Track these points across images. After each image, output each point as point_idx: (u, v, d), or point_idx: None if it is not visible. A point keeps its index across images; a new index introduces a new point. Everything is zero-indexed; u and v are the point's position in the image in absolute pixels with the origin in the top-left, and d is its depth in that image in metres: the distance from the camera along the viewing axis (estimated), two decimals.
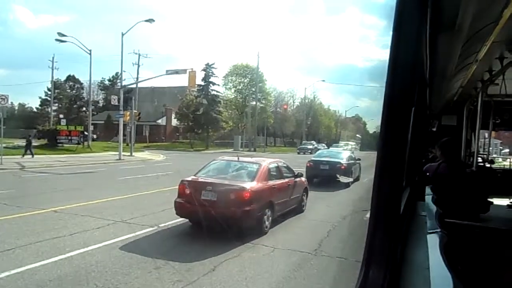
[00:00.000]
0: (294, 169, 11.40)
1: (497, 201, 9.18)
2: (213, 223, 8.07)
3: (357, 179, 18.59)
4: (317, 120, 67.74)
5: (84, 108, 60.77)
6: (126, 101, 34.70)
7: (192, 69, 29.96)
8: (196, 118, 47.88)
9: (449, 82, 5.63)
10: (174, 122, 55.48)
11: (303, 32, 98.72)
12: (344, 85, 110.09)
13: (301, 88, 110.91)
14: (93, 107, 51.32)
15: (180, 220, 9.08)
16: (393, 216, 1.29)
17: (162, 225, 8.91)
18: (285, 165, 11.07)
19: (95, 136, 46.65)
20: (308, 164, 17.72)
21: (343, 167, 17.22)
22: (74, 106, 65.00)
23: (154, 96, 60.38)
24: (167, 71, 30.85)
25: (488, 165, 9.67)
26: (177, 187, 8.97)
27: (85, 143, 36.29)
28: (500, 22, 3.31)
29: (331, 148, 37.85)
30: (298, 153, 45.05)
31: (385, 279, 1.17)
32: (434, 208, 2.42)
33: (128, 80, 48.96)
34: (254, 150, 47.65)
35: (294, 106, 68.85)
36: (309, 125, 66.59)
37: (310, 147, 47.17)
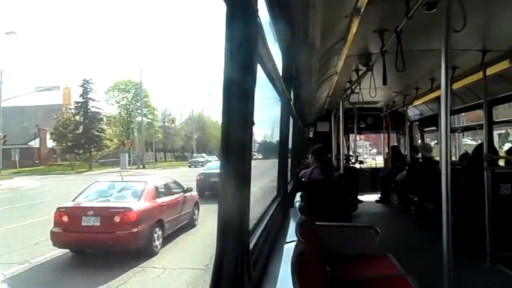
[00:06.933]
0: (185, 184, 11.29)
1: (367, 197, 10.31)
2: (97, 250, 7.56)
3: None
4: (206, 132, 68.00)
5: None
6: None
7: (66, 85, 27.67)
8: (76, 137, 44.15)
9: (316, 92, 6.13)
10: (50, 143, 50.25)
11: (187, 46, 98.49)
12: None
13: (189, 102, 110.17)
14: None
15: (59, 251, 8.22)
16: (242, 232, 1.30)
17: (36, 260, 7.92)
18: (173, 180, 10.93)
19: None
20: (198, 178, 17.57)
21: None
22: None
23: (23, 116, 53.92)
24: (37, 88, 27.95)
25: (358, 166, 10.81)
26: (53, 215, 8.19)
27: None
28: (348, 39, 3.72)
29: None
30: (190, 166, 44.50)
31: None
32: (298, 215, 2.56)
33: None
34: (144, 167, 45.73)
35: (183, 120, 68.16)
36: (199, 138, 66.53)
37: (201, 159, 46.89)
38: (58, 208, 8.22)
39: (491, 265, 4.46)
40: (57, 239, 8.01)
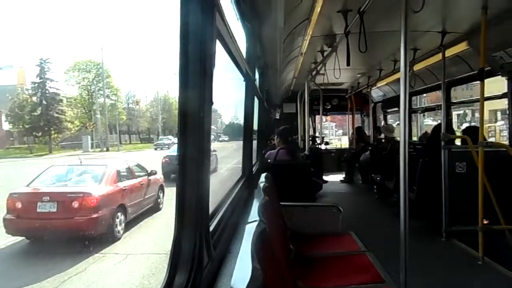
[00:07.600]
0: (151, 167, 11.09)
1: (332, 177, 10.52)
2: (55, 237, 7.28)
3: (214, 170, 18.94)
4: (172, 114, 66.89)
5: None
6: None
7: (20, 65, 26.20)
8: (34, 119, 42.21)
9: (281, 73, 6.11)
10: (6, 125, 47.82)
11: (151, 24, 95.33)
12: None
13: (154, 83, 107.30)
14: None
15: (13, 239, 7.83)
16: (201, 214, 1.27)
17: None
18: (136, 164, 10.70)
19: None
20: (163, 160, 17.27)
21: None
22: None
23: None
24: None
25: (323, 147, 10.96)
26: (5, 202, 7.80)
27: None
28: (312, 19, 3.69)
29: None
30: (155, 149, 43.72)
31: (189, 281, 1.16)
32: (261, 196, 2.56)
33: None
34: (107, 150, 44.50)
35: (148, 101, 66.59)
36: (165, 119, 65.40)
37: (168, 142, 45.99)
38: (11, 194, 7.73)
39: (446, 240, 4.68)
40: (11, 227, 7.57)
